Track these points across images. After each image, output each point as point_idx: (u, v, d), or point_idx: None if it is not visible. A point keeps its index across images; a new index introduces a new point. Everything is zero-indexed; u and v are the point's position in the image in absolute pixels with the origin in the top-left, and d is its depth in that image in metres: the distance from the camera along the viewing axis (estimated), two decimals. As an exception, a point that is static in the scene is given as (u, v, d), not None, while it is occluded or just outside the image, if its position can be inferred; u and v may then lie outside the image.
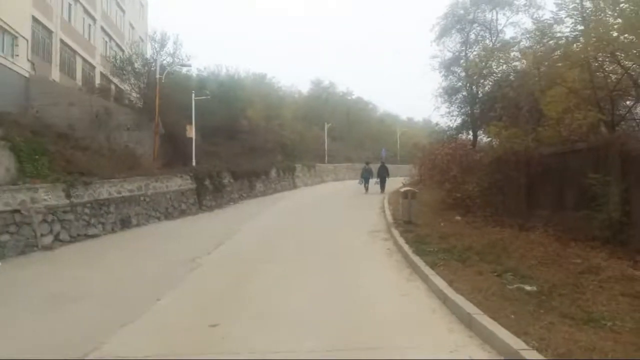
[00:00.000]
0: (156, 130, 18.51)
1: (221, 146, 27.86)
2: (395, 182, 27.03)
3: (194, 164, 20.66)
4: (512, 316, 4.96)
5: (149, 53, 24.65)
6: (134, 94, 25.39)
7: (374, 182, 25.25)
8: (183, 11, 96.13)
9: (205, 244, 10.66)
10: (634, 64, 10.50)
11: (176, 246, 11.08)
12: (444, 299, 5.80)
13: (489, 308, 5.17)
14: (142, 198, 14.42)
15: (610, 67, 10.83)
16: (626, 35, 10.23)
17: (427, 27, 22.64)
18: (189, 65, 23.75)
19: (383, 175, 25.13)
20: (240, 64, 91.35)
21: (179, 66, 22.95)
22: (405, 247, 9.40)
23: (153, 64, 23.65)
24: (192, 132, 20.93)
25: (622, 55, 10.67)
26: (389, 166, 27.17)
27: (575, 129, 10.09)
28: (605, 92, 10.56)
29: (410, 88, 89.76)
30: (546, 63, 12.12)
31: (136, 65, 24.41)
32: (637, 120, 10.43)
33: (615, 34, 10.14)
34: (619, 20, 10.11)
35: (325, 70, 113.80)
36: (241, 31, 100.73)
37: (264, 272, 7.88)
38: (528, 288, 6.23)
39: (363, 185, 25.58)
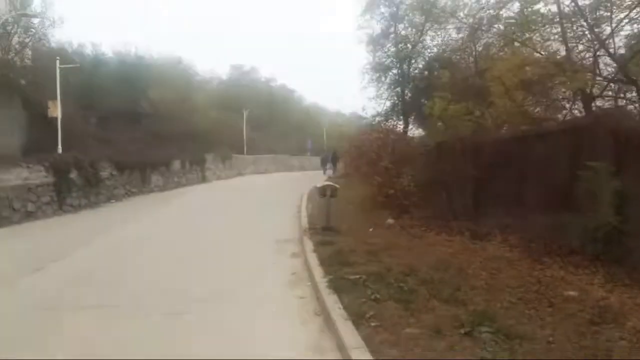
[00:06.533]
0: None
1: (119, 133, 23.21)
2: (319, 176, 24.39)
3: (60, 151, 16.00)
4: None
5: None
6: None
7: (327, 167, 31.83)
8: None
9: (12, 269, 6.74)
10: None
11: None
12: None
13: None
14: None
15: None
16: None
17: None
18: (37, 15, 18.06)
19: (334, 160, 30.12)
20: (154, 46, 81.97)
21: (29, 17, 17.55)
22: (318, 272, 6.22)
23: (12, 27, 18.38)
24: (56, 109, 16.17)
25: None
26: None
27: (554, 100, 7.47)
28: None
29: (340, 82, 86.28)
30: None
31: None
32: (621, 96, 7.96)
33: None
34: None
35: (251, 57, 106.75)
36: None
37: (70, 330, 4.31)
38: (535, 375, 3.28)
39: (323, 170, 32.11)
